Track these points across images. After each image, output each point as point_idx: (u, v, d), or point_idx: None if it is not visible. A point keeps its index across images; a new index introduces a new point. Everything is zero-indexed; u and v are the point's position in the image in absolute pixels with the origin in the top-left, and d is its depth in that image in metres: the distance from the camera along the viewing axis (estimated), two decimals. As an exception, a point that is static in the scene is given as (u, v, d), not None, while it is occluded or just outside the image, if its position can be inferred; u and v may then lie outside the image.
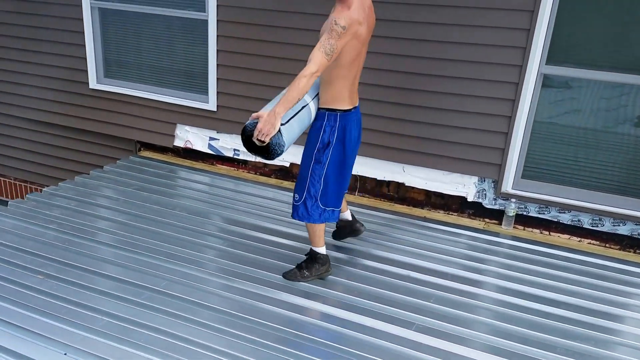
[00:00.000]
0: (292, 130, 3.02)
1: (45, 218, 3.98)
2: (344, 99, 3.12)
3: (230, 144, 5.08)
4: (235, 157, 5.11)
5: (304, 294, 3.31)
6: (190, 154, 5.28)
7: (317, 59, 2.80)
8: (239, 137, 5.00)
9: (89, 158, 5.50)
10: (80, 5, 5.23)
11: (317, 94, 3.18)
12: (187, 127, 5.17)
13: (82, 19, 5.26)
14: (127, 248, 3.66)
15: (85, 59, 5.34)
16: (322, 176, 3.18)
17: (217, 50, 4.91)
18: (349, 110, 3.16)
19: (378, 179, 4.76)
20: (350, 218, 3.76)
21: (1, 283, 3.18)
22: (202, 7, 4.85)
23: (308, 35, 4.60)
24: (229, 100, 5.00)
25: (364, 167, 4.75)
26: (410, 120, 4.50)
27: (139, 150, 5.44)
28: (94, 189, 4.57)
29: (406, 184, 4.67)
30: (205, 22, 4.88)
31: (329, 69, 2.96)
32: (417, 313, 3.16)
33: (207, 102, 5.04)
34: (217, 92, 5.02)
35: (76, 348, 2.70)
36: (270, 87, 4.82)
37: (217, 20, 4.83)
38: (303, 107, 3.13)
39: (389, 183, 4.76)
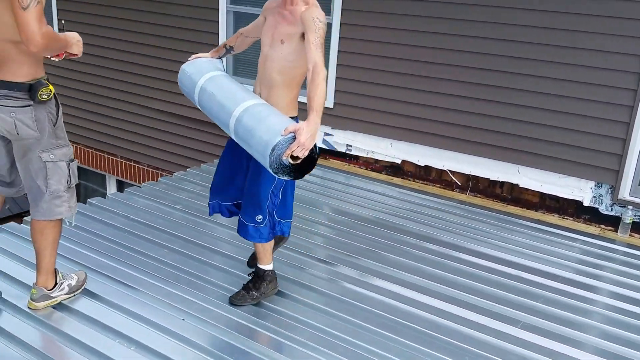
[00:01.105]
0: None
1: (174, 199, 4.29)
2: (295, 105, 2.80)
3: (343, 139, 5.19)
4: (347, 152, 5.21)
5: (408, 284, 3.33)
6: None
7: (322, 61, 2.50)
8: (353, 133, 5.12)
9: (214, 149, 5.83)
10: (218, 9, 5.57)
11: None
12: (303, 123, 5.34)
13: (217, 21, 5.59)
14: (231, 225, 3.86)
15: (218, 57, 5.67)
16: (280, 191, 2.86)
17: (338, 51, 5.05)
18: (296, 117, 2.79)
19: (491, 179, 4.66)
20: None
21: (134, 254, 3.47)
22: (327, 11, 5.03)
23: (426, 36, 4.62)
24: (346, 98, 5.12)
25: (477, 166, 4.67)
26: (524, 121, 4.39)
27: (259, 143, 5.69)
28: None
29: (520, 185, 4.53)
30: (329, 25, 5.04)
31: (294, 71, 2.67)
32: (523, 312, 3.09)
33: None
34: (335, 90, 5.15)
35: (194, 315, 2.90)
36: (386, 86, 4.89)
37: (341, 24, 4.98)
38: None
39: (502, 184, 4.64)
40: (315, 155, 2.47)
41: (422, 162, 4.93)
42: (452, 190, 4.84)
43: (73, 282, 2.99)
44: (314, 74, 2.45)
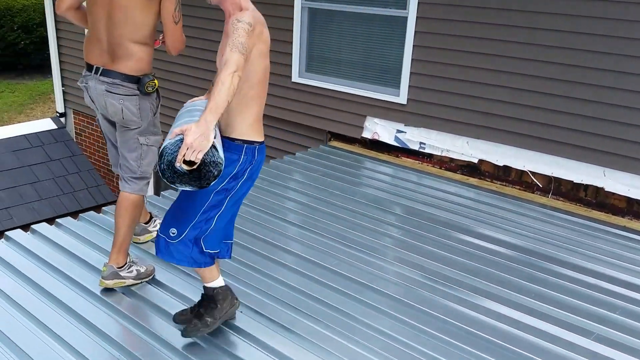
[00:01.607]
0: (221, 148, 2.34)
1: (240, 194, 4.39)
2: (259, 128, 2.53)
3: (416, 137, 5.13)
4: (420, 150, 5.14)
5: (475, 289, 3.24)
6: (376, 145, 5.43)
7: (233, 57, 2.28)
8: (427, 130, 5.05)
9: (283, 145, 5.93)
10: (293, 6, 5.66)
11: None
12: (376, 120, 5.33)
13: (292, 18, 5.68)
14: (308, 227, 3.90)
15: (291, 54, 5.76)
16: (216, 215, 2.55)
17: (414, 45, 5.00)
18: (263, 142, 2.56)
19: (575, 181, 4.45)
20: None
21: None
22: (403, 5, 4.99)
23: (508, 30, 4.49)
24: (420, 94, 5.05)
25: (560, 168, 4.48)
26: (611, 121, 4.16)
27: (329, 140, 5.73)
28: (284, 172, 4.92)
29: (606, 189, 4.30)
30: (404, 19, 5.01)
31: (243, 92, 2.42)
32: (598, 323, 2.94)
33: (398, 96, 5.15)
34: (409, 86, 5.10)
35: (255, 311, 2.97)
36: (465, 82, 4.78)
37: (417, 17, 4.93)
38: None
39: (586, 187, 4.42)
40: (217, 159, 2.23)
41: (500, 162, 4.79)
42: (533, 193, 4.66)
43: (142, 270, 3.19)
44: (219, 71, 2.29)
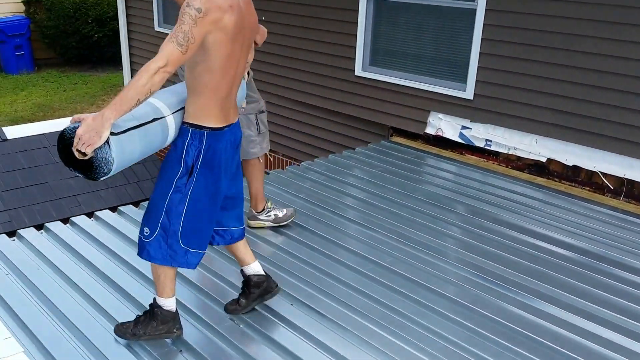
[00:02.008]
0: (131, 146, 2.26)
1: (297, 188, 4.44)
2: (213, 115, 2.46)
3: (482, 134, 5.02)
4: (486, 147, 5.04)
5: (537, 293, 3.16)
6: (439, 141, 5.35)
7: (166, 50, 2.18)
8: (494, 127, 4.95)
9: (343, 140, 5.94)
10: (358, -3, 5.67)
11: (182, 108, 2.50)
12: (440, 115, 5.26)
13: (357, 10, 5.68)
14: (364, 224, 3.91)
15: (355, 47, 5.76)
16: (183, 209, 2.47)
17: (482, 38, 4.90)
18: (221, 128, 2.48)
19: (651, 184, 4.26)
20: (262, 272, 2.90)
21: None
22: (472, -3, 4.91)
23: (584, 25, 4.34)
24: (488, 89, 4.95)
25: (633, 169, 4.29)
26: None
27: (391, 135, 5.70)
28: (343, 167, 4.93)
29: (686, 193, 4.10)
30: (473, 11, 4.92)
31: (197, 76, 2.39)
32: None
33: (464, 91, 5.06)
34: (476, 81, 5.00)
35: (307, 305, 3.02)
36: (535, 77, 4.66)
37: (486, 10, 4.83)
38: (155, 120, 2.37)
39: (663, 190, 4.22)
40: (108, 157, 2.16)
41: (570, 162, 4.63)
42: (603, 195, 4.49)
43: (280, 214, 3.79)
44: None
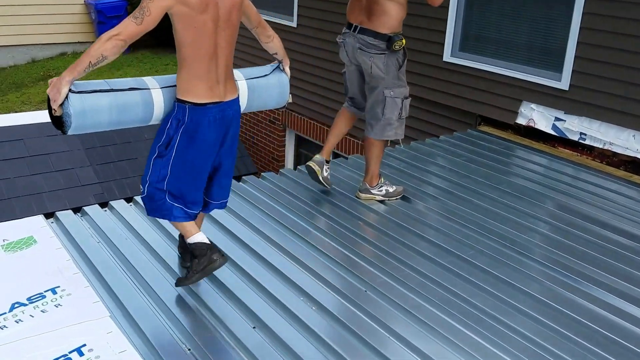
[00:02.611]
0: (96, 106, 2.55)
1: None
2: (196, 90, 2.66)
3: (577, 127, 4.81)
4: (580, 141, 4.83)
5: (629, 297, 3.02)
6: (530, 133, 5.18)
7: (122, 22, 2.54)
8: (589, 120, 4.73)
9: (428, 127, 5.84)
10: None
11: (174, 85, 2.75)
12: (532, 105, 5.08)
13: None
14: (445, 214, 3.86)
15: (445, 32, 5.65)
16: (166, 173, 2.76)
17: (581, 27, 4.69)
18: (204, 104, 2.67)
19: None
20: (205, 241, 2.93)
21: (329, 222, 3.71)
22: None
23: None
24: (585, 80, 4.73)
25: None
26: None
27: (479, 124, 5.56)
28: (425, 154, 4.87)
29: None
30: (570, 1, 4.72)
31: (178, 50, 2.65)
32: None
33: (559, 81, 4.86)
34: (573, 71, 4.79)
35: (382, 293, 3.02)
36: (636, 70, 4.41)
37: (586, -3, 4.62)
38: (134, 89, 2.67)
39: None
40: (67, 110, 2.49)
41: (672, 160, 4.37)
42: None
43: (391, 190, 3.98)
44: None
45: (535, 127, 5.07)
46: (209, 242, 2.84)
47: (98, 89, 2.59)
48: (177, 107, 2.69)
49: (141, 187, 2.85)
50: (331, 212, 3.83)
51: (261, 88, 3.12)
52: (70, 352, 2.48)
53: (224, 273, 3.05)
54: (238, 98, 2.86)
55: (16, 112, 11.54)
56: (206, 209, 3.05)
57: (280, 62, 3.21)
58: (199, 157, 2.76)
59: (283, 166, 7.94)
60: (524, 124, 5.16)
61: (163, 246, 3.35)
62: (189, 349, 2.57)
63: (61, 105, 2.49)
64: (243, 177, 4.27)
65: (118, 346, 2.52)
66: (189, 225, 2.87)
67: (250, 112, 8.14)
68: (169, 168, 2.75)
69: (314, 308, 2.87)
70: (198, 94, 2.67)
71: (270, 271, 3.15)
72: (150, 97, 2.71)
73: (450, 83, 5.64)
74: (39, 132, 6.39)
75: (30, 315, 2.69)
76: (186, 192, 2.82)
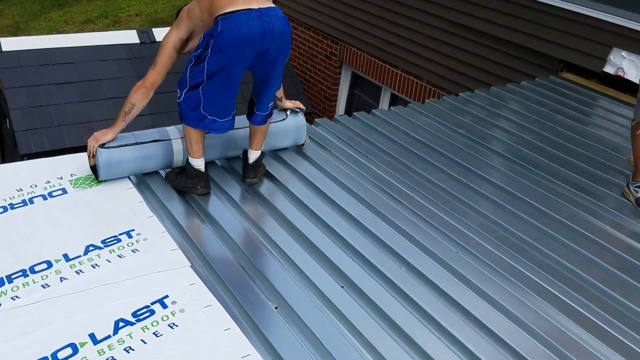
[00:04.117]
0: (122, 158, 3.04)
1: (456, 122, 4.18)
2: (226, 2, 2.78)
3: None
4: (675, 95, 4.48)
5: None
6: (618, 83, 4.83)
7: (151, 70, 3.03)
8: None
9: (504, 71, 5.51)
10: None
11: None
12: (623, 53, 4.71)
13: None
14: (518, 162, 3.70)
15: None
16: (201, 80, 2.86)
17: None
18: (233, 12, 2.76)
19: None
20: (249, 161, 3.23)
21: (411, 174, 3.50)
22: None
23: None
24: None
25: None
26: None
27: (561, 70, 5.22)
28: (507, 102, 4.59)
29: None
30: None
31: None
32: None
33: (657, 26, 4.48)
34: None
35: (441, 231, 2.91)
36: None
37: None
38: (154, 141, 3.11)
39: None
40: (97, 164, 3.01)
41: None
42: None
43: None
44: None
45: (625, 77, 4.72)
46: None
47: (124, 143, 3.06)
48: (205, 34, 2.82)
49: (178, 91, 2.95)
50: (412, 162, 3.61)
51: (278, 131, 3.43)
52: (152, 304, 2.37)
53: (310, 229, 2.91)
54: (276, 7, 2.91)
55: (59, 32, 11.39)
56: (254, 119, 3.15)
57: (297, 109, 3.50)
58: (230, 64, 2.81)
59: (334, 106, 7.68)
60: (612, 73, 4.81)
61: (246, 197, 3.17)
62: (276, 307, 2.44)
63: (94, 156, 3.01)
64: (315, 120, 4.06)
65: (203, 300, 2.40)
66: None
67: (307, 45, 7.85)
68: (204, 75, 2.84)
69: (403, 268, 2.71)
70: (229, 4, 2.77)
71: (354, 226, 2.98)
72: (171, 147, 3.14)
73: (532, 23, 5.26)
74: (91, 55, 6.21)
75: (107, 260, 2.57)
76: (222, 99, 2.94)
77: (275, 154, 3.56)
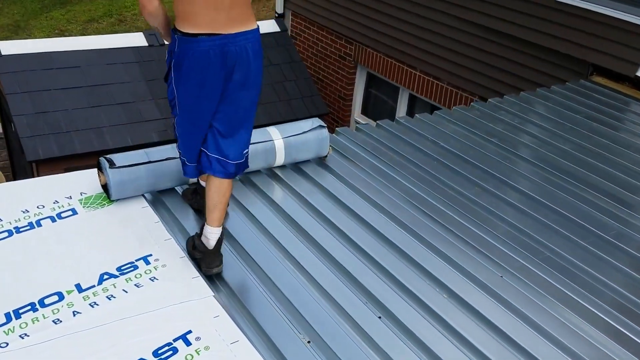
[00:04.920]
0: (134, 177, 2.84)
1: (488, 130, 3.96)
2: (187, 18, 2.24)
3: None
4: None
5: None
6: (653, 87, 4.62)
7: None
8: None
9: (534, 75, 5.28)
10: None
11: None
12: (659, 55, 4.49)
13: None
14: (555, 173, 3.50)
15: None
16: (175, 117, 2.47)
17: None
18: (194, 35, 2.23)
19: None
20: (209, 247, 2.51)
21: (444, 188, 3.29)
22: None
23: None
24: None
25: None
26: None
27: (591, 74, 4.99)
28: (538, 107, 4.36)
29: None
30: None
31: None
32: None
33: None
34: None
35: (512, 273, 2.65)
36: None
37: None
38: (168, 159, 2.91)
39: None
40: (109, 183, 2.81)
41: None
42: None
43: None
44: None
45: (661, 81, 4.50)
46: (214, 248, 2.48)
47: (135, 162, 2.85)
48: (173, 39, 2.31)
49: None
50: (443, 175, 3.39)
51: (299, 144, 3.24)
52: (175, 340, 2.17)
53: (340, 252, 2.71)
54: (253, 31, 2.33)
55: (62, 31, 11.18)
56: (224, 169, 2.46)
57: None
58: (189, 98, 2.35)
59: (350, 107, 7.47)
60: (647, 76, 4.59)
61: (267, 214, 2.97)
62: (309, 341, 2.24)
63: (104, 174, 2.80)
64: (336, 129, 3.85)
65: (229, 335, 2.20)
66: (221, 213, 2.49)
67: (320, 45, 7.64)
68: (176, 105, 2.41)
69: (445, 296, 2.50)
70: (190, 22, 2.24)
71: (389, 248, 2.77)
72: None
73: (562, 26, 5.02)
74: (97, 59, 6.00)
75: (124, 291, 2.37)
76: (189, 140, 2.47)
77: (297, 166, 3.36)
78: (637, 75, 4.65)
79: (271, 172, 3.29)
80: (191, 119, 2.40)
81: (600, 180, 3.45)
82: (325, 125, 3.37)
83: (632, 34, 4.60)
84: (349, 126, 7.32)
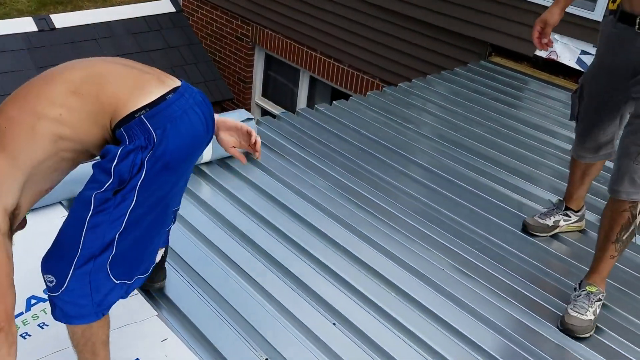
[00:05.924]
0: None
1: (405, 117, 3.97)
2: (137, 94, 1.63)
3: (603, 62, 4.47)
4: (606, 78, 4.51)
5: None
6: (550, 66, 4.81)
7: None
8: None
9: (433, 57, 5.34)
10: None
11: None
12: (556, 36, 4.68)
13: None
14: (441, 141, 3.66)
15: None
16: (116, 233, 1.65)
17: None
18: (164, 98, 1.63)
19: None
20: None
21: (371, 177, 3.26)
22: None
23: None
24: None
25: None
26: None
27: (490, 55, 5.13)
28: (445, 91, 4.42)
29: None
30: None
31: None
32: None
33: (592, 10, 4.45)
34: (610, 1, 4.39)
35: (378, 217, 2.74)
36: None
37: None
38: None
39: None
40: None
41: None
42: None
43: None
44: None
45: (558, 60, 4.70)
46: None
47: None
48: (125, 138, 1.61)
49: (51, 277, 1.67)
50: (369, 164, 3.35)
51: None
52: (123, 371, 1.97)
53: (272, 245, 2.60)
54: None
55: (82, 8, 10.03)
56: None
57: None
58: (174, 184, 1.74)
59: (251, 89, 7.27)
60: (544, 56, 4.77)
61: (196, 213, 2.79)
62: (266, 359, 2.12)
63: None
64: (258, 118, 3.70)
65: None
66: (105, 349, 1.85)
67: (215, 25, 7.34)
68: (125, 222, 1.64)
69: (392, 294, 2.46)
70: (137, 91, 1.63)
71: (331, 247, 2.69)
72: None
73: (457, 6, 5.12)
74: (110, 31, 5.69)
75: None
76: (143, 251, 1.78)
77: (224, 162, 3.19)
78: (535, 55, 4.83)
79: (198, 170, 3.10)
80: (166, 214, 1.82)
81: (485, 149, 3.65)
82: (253, 117, 3.22)
83: (529, 13, 4.75)
84: (250, 110, 7.14)
